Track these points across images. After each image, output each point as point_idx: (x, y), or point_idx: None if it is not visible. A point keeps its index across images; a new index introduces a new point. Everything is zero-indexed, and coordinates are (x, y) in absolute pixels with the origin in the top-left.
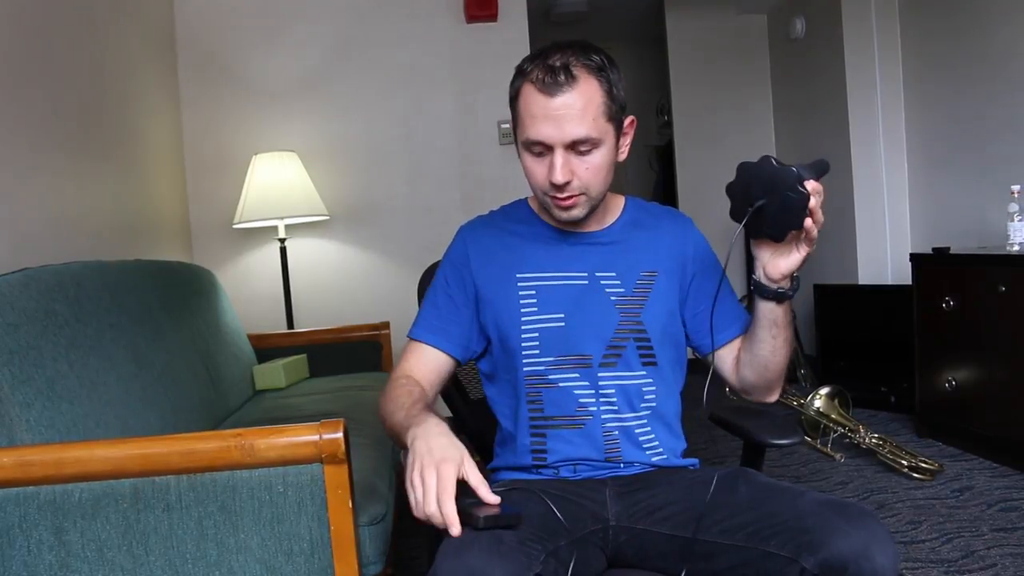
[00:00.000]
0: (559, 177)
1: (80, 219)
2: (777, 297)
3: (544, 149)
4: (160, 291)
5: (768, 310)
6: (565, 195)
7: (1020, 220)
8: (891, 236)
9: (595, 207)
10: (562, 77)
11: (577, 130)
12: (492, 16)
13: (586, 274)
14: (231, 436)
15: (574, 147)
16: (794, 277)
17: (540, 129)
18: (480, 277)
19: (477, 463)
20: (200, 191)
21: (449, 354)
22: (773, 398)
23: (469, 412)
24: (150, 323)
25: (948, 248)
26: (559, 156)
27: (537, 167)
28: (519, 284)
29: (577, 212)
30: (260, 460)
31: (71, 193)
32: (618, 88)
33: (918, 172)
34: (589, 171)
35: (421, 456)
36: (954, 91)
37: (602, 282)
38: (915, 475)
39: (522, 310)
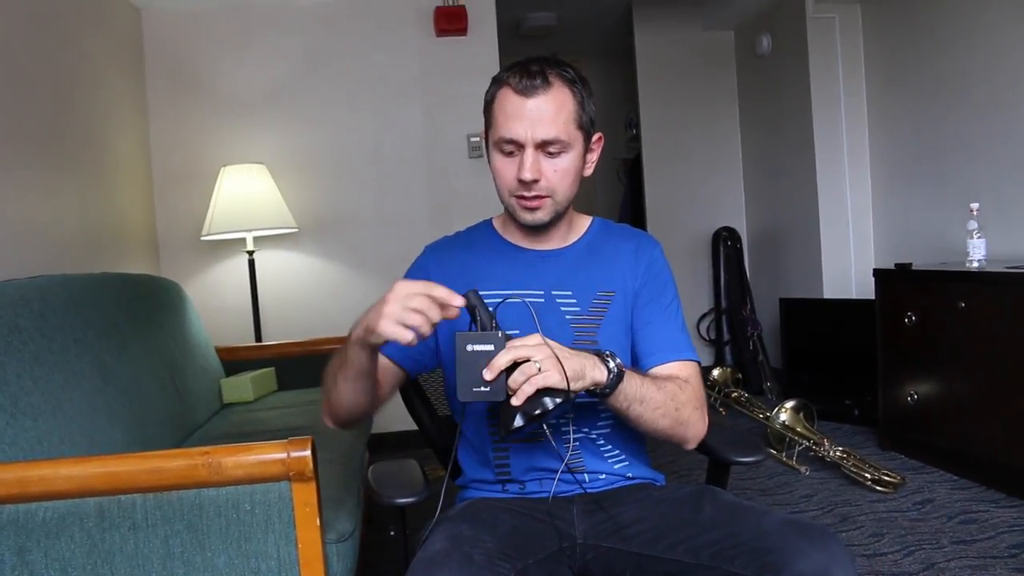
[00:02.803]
0: (528, 174)
1: (45, 232)
2: (600, 397)
3: (515, 148)
4: (126, 305)
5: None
6: (532, 195)
7: (979, 237)
8: (855, 251)
9: (559, 214)
10: (538, 81)
11: (549, 130)
12: (462, 30)
13: (542, 292)
14: (198, 454)
15: (544, 148)
16: (612, 369)
17: (513, 127)
18: None
19: (441, 477)
20: (168, 203)
21: (399, 364)
22: (690, 446)
23: (435, 428)
24: (116, 337)
25: (910, 264)
26: (529, 154)
27: (506, 167)
28: None
29: (542, 215)
30: (227, 478)
31: (36, 205)
32: (588, 103)
33: (881, 189)
34: (557, 174)
35: (379, 303)
36: (916, 110)
37: (558, 300)
38: (878, 488)
39: None
